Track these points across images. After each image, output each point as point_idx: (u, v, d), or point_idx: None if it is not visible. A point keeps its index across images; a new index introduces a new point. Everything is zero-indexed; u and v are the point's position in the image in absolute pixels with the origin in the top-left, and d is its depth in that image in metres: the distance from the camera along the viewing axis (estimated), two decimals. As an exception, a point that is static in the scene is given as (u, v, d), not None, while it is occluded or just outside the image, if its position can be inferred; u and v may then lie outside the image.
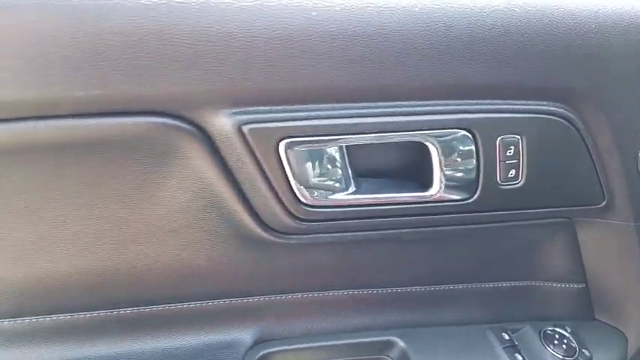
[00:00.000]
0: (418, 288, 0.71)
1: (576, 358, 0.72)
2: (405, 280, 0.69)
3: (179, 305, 0.61)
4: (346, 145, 0.53)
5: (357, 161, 0.55)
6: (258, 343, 0.65)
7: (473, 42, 0.47)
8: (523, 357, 0.70)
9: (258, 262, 0.59)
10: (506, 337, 0.72)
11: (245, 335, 0.64)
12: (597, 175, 0.61)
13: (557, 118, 0.55)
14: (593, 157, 0.59)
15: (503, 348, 0.71)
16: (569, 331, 0.76)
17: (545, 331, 0.75)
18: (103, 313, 0.59)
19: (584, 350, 0.73)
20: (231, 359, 0.62)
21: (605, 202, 0.64)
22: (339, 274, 0.65)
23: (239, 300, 0.63)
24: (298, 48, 0.43)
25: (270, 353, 0.64)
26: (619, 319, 0.79)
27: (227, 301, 0.62)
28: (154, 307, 0.60)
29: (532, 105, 0.53)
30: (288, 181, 0.51)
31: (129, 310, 0.59)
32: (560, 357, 0.71)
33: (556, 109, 0.54)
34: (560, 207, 0.63)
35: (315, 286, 0.65)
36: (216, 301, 0.62)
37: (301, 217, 0.53)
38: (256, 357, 0.62)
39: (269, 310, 0.65)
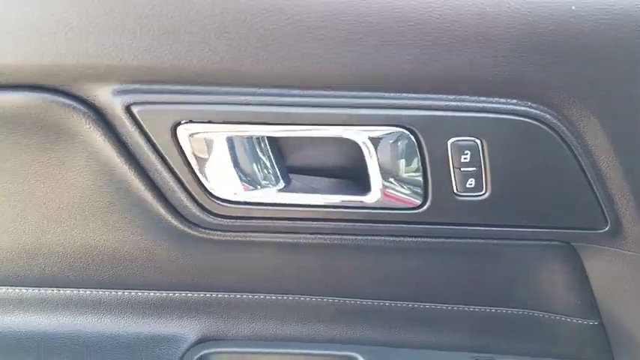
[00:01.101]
0: (392, 303, 0.64)
1: None
2: (373, 293, 0.62)
3: (114, 292, 0.59)
4: (272, 137, 0.47)
5: (290, 156, 0.49)
6: (203, 341, 0.61)
7: (405, 24, 0.39)
8: None
9: (191, 255, 0.55)
10: None
11: (188, 332, 0.61)
12: (594, 193, 0.50)
13: (531, 121, 0.45)
14: (587, 171, 0.48)
15: None
16: None
17: None
18: (43, 290, 0.59)
19: None
20: (169, 355, 0.59)
21: (608, 227, 0.52)
22: (287, 278, 0.59)
23: (180, 294, 0.60)
24: (192, 19, 0.38)
25: (212, 354, 0.61)
26: None
27: (166, 293, 0.60)
28: (93, 291, 0.59)
29: (494, 103, 0.44)
30: (194, 172, 0.46)
31: (69, 290, 0.58)
32: None
33: (528, 109, 0.44)
34: (548, 228, 0.52)
35: (264, 289, 0.61)
36: (153, 292, 0.59)
37: (217, 212, 0.49)
38: (197, 356, 0.59)
39: (215, 308, 0.61)
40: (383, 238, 0.53)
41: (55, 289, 0.59)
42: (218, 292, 0.60)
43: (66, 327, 0.60)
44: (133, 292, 0.60)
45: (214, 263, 0.57)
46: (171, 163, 0.46)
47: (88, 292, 0.59)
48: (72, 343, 0.59)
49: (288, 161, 0.50)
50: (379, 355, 0.63)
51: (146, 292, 0.60)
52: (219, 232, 0.52)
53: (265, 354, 0.63)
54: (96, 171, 0.48)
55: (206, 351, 0.61)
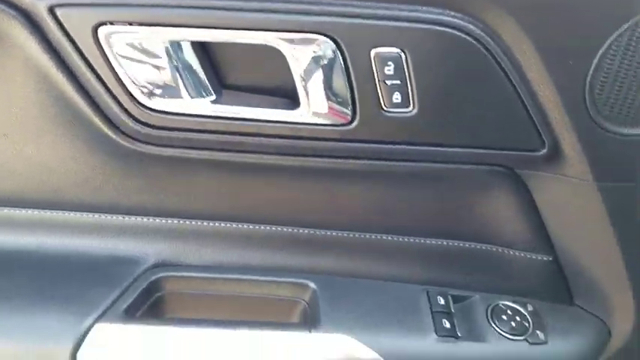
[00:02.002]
0: (345, 234, 0.64)
1: (524, 338, 0.61)
2: (322, 223, 0.63)
3: (68, 214, 0.61)
4: (199, 46, 0.48)
5: (220, 69, 0.50)
6: (158, 266, 0.63)
7: None
8: (453, 325, 0.61)
9: (135, 175, 0.57)
10: (442, 302, 0.64)
11: (145, 256, 0.63)
12: (528, 111, 0.50)
13: (455, 32, 0.45)
14: (518, 88, 0.48)
15: (433, 312, 0.62)
16: (529, 309, 0.65)
17: (497, 304, 0.65)
18: (6, 210, 0.61)
19: (537, 332, 0.62)
20: (125, 276, 0.61)
21: (546, 150, 0.52)
22: (233, 203, 0.61)
23: (137, 219, 0.62)
24: None
25: (166, 278, 0.63)
26: (599, 305, 0.65)
27: (122, 216, 0.62)
28: (48, 212, 0.61)
29: (416, 12, 0.44)
30: (119, 77, 0.47)
31: (24, 211, 0.61)
32: (502, 333, 0.61)
33: (451, 19, 0.44)
34: (482, 149, 0.52)
35: (215, 215, 0.62)
36: (109, 216, 0.61)
37: (147, 121, 0.50)
38: (150, 279, 0.61)
39: (172, 234, 0.63)
40: (318, 159, 0.54)
41: (12, 209, 0.61)
42: (173, 217, 0.62)
43: (20, 246, 0.62)
44: (89, 215, 0.62)
45: (161, 185, 0.59)
46: (96, 68, 0.47)
47: (47, 213, 0.62)
48: (28, 263, 0.61)
49: (220, 75, 0.50)
50: (331, 284, 0.64)
51: (103, 216, 0.62)
52: (153, 146, 0.53)
53: (219, 280, 0.64)
54: (36, 81, 0.49)
55: (161, 275, 0.63)
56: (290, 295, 0.65)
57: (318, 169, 0.56)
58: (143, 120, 0.50)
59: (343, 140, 0.51)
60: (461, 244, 0.65)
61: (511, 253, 0.65)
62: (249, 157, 0.54)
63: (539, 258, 0.64)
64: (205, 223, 0.63)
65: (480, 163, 0.55)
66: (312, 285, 0.64)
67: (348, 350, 0.58)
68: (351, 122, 0.49)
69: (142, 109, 0.49)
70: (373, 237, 0.64)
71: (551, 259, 0.64)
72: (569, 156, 0.52)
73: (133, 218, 0.61)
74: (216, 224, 0.63)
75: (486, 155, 0.53)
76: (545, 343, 0.62)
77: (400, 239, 0.65)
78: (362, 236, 0.64)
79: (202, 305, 0.65)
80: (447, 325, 0.60)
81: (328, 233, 0.64)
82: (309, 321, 0.60)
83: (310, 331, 0.58)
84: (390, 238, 0.65)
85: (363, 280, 0.66)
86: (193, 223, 0.62)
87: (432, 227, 0.64)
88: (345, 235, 0.64)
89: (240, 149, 0.53)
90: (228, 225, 0.63)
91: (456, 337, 0.59)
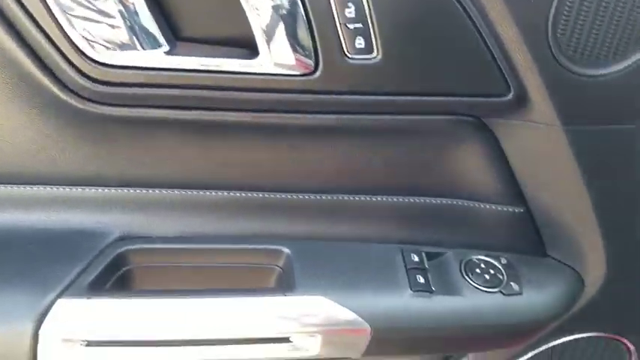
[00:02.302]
0: (316, 197, 0.63)
1: (498, 290, 0.61)
2: (292, 186, 0.62)
3: (25, 187, 0.58)
4: None
5: (174, 17, 0.47)
6: (124, 239, 0.61)
7: None
8: (427, 280, 0.60)
9: (92, 140, 0.54)
10: (416, 259, 0.63)
11: (107, 229, 0.60)
12: (492, 55, 0.49)
13: None
14: (482, 30, 0.47)
15: (407, 269, 0.62)
16: (503, 262, 0.65)
17: (470, 259, 0.65)
18: None
19: (512, 283, 0.62)
20: (87, 250, 0.58)
21: (512, 95, 0.51)
22: (199, 168, 0.59)
23: (98, 190, 0.59)
24: None
25: (133, 251, 0.60)
26: (571, 255, 0.66)
27: (81, 189, 0.59)
28: (8, 187, 0.58)
29: None
30: (65, 30, 0.45)
31: None
32: (475, 285, 0.61)
33: None
34: (448, 96, 0.51)
35: (179, 183, 0.60)
36: (62, 188, 0.59)
37: (97, 77, 0.48)
38: (115, 253, 0.59)
39: (137, 205, 0.60)
40: (284, 114, 0.52)
41: None
42: (136, 187, 0.60)
43: None
44: (47, 188, 0.59)
45: (121, 152, 0.57)
46: (39, 21, 0.44)
47: (1, 188, 0.59)
48: None
49: (173, 25, 0.48)
50: (305, 248, 0.63)
51: (61, 188, 0.59)
52: (108, 107, 0.51)
53: (189, 250, 0.62)
54: None
55: (127, 248, 0.60)
56: (264, 262, 0.64)
57: (285, 127, 0.55)
58: (93, 76, 0.48)
59: (307, 91, 0.49)
60: (432, 201, 0.64)
61: (482, 206, 0.64)
62: (210, 114, 0.52)
63: (511, 210, 0.64)
64: (171, 192, 0.61)
65: (447, 113, 0.54)
66: (285, 250, 0.62)
67: (325, 311, 0.57)
68: (314, 72, 0.47)
69: (92, 64, 0.47)
70: (344, 198, 0.63)
71: (522, 210, 0.64)
72: (536, 100, 0.51)
73: (93, 189, 0.59)
74: (183, 192, 0.61)
75: (453, 104, 0.52)
76: (519, 294, 0.62)
77: (371, 199, 0.64)
78: (333, 198, 0.63)
79: (173, 278, 0.63)
80: (422, 280, 0.60)
81: (299, 197, 0.63)
82: (284, 286, 0.59)
83: (285, 295, 0.57)
84: (361, 198, 0.64)
85: (337, 243, 0.65)
86: (158, 192, 0.60)
87: (402, 184, 0.63)
88: (316, 197, 0.63)
89: (199, 106, 0.51)
90: (195, 193, 0.61)
91: (431, 292, 0.59)
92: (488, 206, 0.64)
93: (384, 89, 0.50)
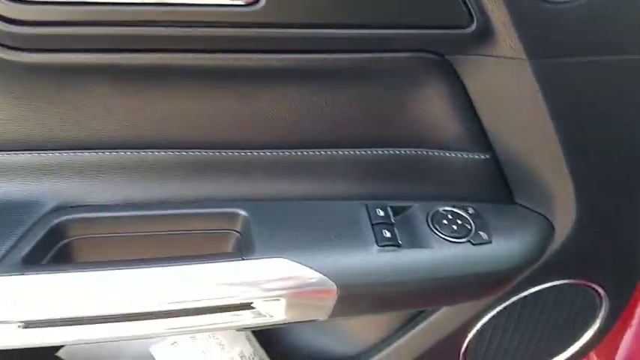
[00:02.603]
0: (272, 153, 0.58)
1: (467, 240, 0.58)
2: (242, 142, 0.57)
3: None
4: None
5: None
6: (60, 209, 0.55)
7: None
8: (394, 234, 0.57)
9: (12, 99, 0.48)
10: (381, 214, 0.59)
11: (40, 199, 0.54)
12: None
13: None
14: None
15: (372, 225, 0.58)
16: (470, 212, 0.62)
17: (437, 210, 0.61)
18: None
19: (480, 232, 0.59)
20: (18, 223, 0.52)
21: (475, 26, 0.48)
22: (136, 124, 0.53)
23: (26, 154, 0.53)
24: None
25: (71, 221, 0.55)
26: (540, 202, 0.64)
27: (2, 154, 0.53)
28: None
29: None
30: None
31: None
32: (443, 237, 0.58)
33: None
34: (406, 29, 0.47)
35: (116, 142, 0.54)
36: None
37: (9, 15, 0.41)
38: (51, 224, 0.53)
39: (70, 170, 0.54)
40: (227, 55, 0.47)
41: None
42: (69, 150, 0.54)
43: None
44: None
45: (49, 109, 0.51)
46: None
47: None
48: None
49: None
50: (264, 210, 0.59)
51: None
52: (29, 53, 0.45)
53: (134, 218, 0.57)
54: None
55: (63, 218, 0.55)
56: (219, 227, 0.59)
57: (229, 71, 0.50)
58: (6, 15, 0.41)
59: (251, 24, 0.44)
60: (395, 152, 0.61)
61: (447, 155, 0.61)
62: (143, 57, 0.46)
63: (477, 157, 0.61)
64: (110, 153, 0.55)
65: (405, 49, 0.50)
66: (242, 213, 0.58)
67: (287, 273, 0.53)
68: (257, 1, 0.42)
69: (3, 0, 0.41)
70: (300, 153, 0.59)
71: (488, 157, 0.61)
72: (500, 32, 0.48)
73: (21, 154, 0.53)
74: (123, 153, 0.55)
75: (412, 37, 0.48)
76: (489, 242, 0.59)
77: (330, 153, 0.60)
78: (288, 153, 0.59)
79: (119, 251, 0.58)
80: (388, 234, 0.57)
81: (253, 154, 0.58)
82: (243, 250, 0.54)
83: (243, 259, 0.53)
84: (318, 152, 0.59)
85: (297, 202, 0.61)
86: (95, 154, 0.54)
87: (362, 135, 0.59)
88: (272, 154, 0.59)
89: (131, 47, 0.45)
90: (137, 153, 0.55)
91: (398, 246, 0.56)
92: (453, 154, 0.61)
93: (337, 19, 0.45)
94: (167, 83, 0.50)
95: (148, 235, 0.57)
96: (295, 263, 0.53)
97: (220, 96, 0.52)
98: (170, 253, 0.56)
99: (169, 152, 0.56)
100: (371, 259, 0.54)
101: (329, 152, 0.59)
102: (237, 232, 0.59)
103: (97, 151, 0.54)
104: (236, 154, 0.57)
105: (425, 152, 0.61)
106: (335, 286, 0.53)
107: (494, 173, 0.63)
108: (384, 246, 0.55)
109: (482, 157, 0.61)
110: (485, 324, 0.71)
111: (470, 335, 0.72)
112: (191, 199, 0.58)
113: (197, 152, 0.56)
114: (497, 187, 0.65)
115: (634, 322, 0.77)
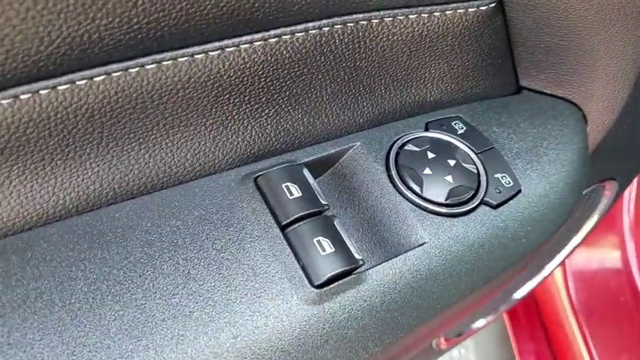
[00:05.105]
0: None
1: (479, 202, 0.29)
2: None
3: None
4: None
5: None
6: None
7: None
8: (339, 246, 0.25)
9: None
10: (295, 194, 0.28)
11: None
12: None
13: None
14: None
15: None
16: (461, 132, 0.32)
17: (403, 146, 0.31)
18: None
19: (497, 176, 0.29)
20: None
21: None
22: None
23: None
24: None
25: None
26: (570, 82, 0.36)
27: None
28: None
29: None
30: None
31: None
32: (432, 206, 0.29)
33: None
34: None
35: None
36: None
37: None
38: None
39: None
40: None
41: None
42: None
43: None
44: None
45: None
46: None
47: None
48: None
49: None
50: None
51: None
52: None
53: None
54: None
55: None
56: None
57: None
58: None
59: None
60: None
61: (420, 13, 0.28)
62: None
63: (470, 10, 0.29)
64: None
65: None
66: None
67: None
68: None
69: None
70: None
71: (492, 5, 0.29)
72: None
73: None
74: None
75: None
76: (517, 192, 0.31)
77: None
78: None
79: None
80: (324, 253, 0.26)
81: None
82: None
83: None
84: None
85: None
86: None
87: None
88: None
89: None
90: None
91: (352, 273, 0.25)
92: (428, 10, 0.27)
93: None
94: None
95: None
96: None
97: None
98: None
99: None
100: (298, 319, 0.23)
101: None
102: None
103: None
104: None
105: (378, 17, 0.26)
106: None
107: (494, 37, 0.30)
108: (320, 286, 0.25)
109: (480, 7, 0.28)
110: None
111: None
112: None
113: None
114: (498, 64, 0.35)
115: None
